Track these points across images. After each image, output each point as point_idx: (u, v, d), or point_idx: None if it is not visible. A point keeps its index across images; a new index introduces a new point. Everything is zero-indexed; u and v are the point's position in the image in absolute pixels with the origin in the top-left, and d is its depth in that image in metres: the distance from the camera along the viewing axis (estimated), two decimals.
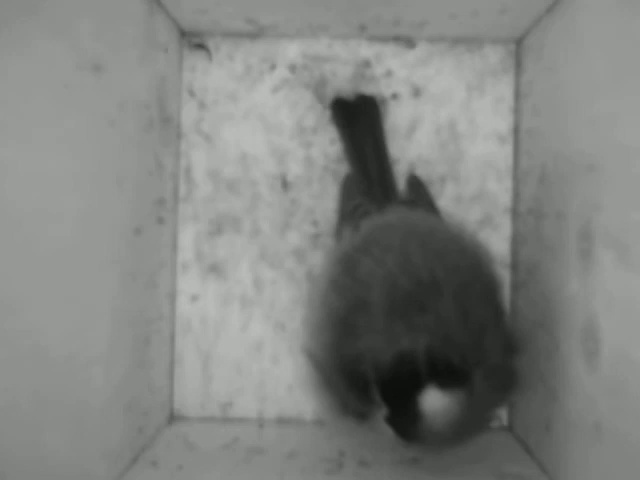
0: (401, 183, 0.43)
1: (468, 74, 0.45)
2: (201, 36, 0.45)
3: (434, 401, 0.28)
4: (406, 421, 0.29)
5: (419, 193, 0.42)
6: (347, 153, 0.43)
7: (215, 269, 0.45)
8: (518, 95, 0.44)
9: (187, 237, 0.45)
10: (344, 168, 0.44)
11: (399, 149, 0.44)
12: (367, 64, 0.45)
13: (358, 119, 0.43)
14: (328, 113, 0.45)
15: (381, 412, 0.29)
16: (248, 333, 0.45)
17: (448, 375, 0.28)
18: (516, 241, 0.44)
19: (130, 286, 0.37)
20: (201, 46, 0.45)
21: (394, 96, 0.45)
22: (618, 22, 0.29)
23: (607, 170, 0.30)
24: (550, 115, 0.38)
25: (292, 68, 0.45)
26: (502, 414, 0.44)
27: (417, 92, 0.45)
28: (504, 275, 0.44)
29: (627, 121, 0.28)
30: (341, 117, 0.44)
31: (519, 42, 0.44)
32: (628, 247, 0.27)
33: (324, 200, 0.45)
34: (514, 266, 0.44)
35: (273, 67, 0.45)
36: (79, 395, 0.30)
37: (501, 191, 0.45)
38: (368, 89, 0.45)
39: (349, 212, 0.39)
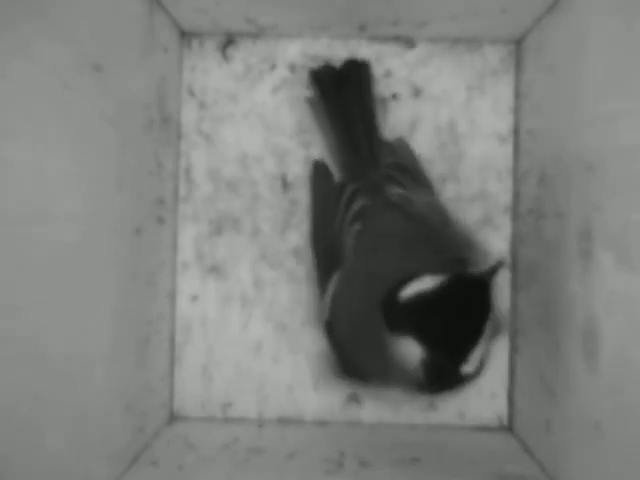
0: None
1: (468, 74, 0.45)
2: (201, 36, 0.45)
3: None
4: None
5: (406, 158, 0.42)
6: (329, 123, 0.42)
7: (215, 269, 0.45)
8: (518, 95, 0.44)
9: (187, 237, 0.45)
10: None
11: None
12: None
13: (345, 86, 0.42)
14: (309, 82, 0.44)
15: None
16: (248, 333, 0.45)
17: None
18: (516, 241, 0.44)
19: (130, 286, 0.37)
20: (229, 43, 0.45)
21: (394, 96, 0.45)
22: (618, 22, 0.29)
23: (607, 170, 0.30)
24: (550, 115, 0.38)
25: (292, 68, 0.45)
26: (502, 414, 0.44)
27: (417, 92, 0.45)
28: (504, 275, 0.44)
29: (627, 121, 0.28)
30: (326, 86, 0.43)
31: (519, 42, 0.44)
32: (628, 247, 0.27)
33: None
34: (514, 266, 0.44)
35: (273, 67, 0.45)
36: (79, 395, 0.30)
37: (501, 191, 0.45)
38: None
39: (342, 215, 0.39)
